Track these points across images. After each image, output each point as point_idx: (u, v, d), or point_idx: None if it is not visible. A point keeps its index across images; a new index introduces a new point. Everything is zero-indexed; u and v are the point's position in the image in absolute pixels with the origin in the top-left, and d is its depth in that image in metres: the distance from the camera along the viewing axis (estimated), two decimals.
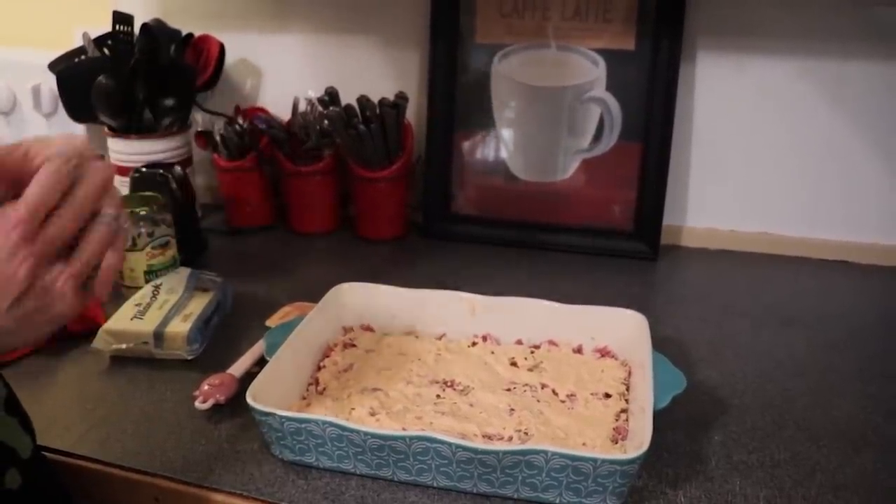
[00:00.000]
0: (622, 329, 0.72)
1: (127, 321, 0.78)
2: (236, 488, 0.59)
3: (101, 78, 1.02)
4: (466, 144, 1.10)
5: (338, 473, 0.60)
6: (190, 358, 0.76)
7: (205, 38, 1.14)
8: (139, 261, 0.88)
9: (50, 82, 1.12)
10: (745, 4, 0.97)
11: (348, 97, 1.05)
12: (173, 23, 1.12)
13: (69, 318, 0.46)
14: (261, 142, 1.11)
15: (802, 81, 0.98)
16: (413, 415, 0.64)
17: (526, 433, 0.62)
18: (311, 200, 1.12)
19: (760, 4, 0.96)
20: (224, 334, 0.82)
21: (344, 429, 0.57)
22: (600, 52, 1.01)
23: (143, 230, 0.88)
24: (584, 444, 0.61)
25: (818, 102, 0.98)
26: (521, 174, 1.08)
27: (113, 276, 0.47)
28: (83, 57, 1.08)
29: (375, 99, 1.04)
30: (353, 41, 1.13)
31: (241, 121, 1.11)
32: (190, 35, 1.13)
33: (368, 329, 0.79)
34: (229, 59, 1.16)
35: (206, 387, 0.68)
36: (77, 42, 1.10)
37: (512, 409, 0.65)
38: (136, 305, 0.80)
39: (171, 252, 0.91)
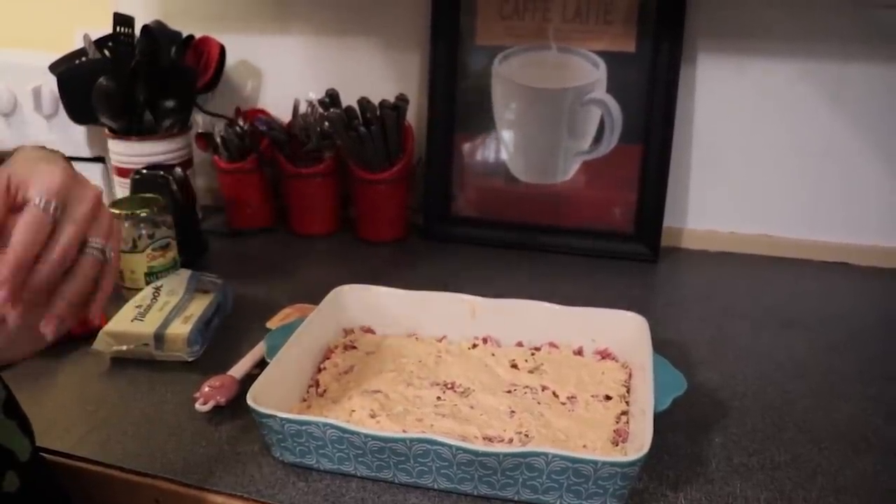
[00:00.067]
0: (623, 331, 0.72)
1: (127, 323, 0.78)
2: (237, 490, 0.59)
3: (101, 80, 1.02)
4: (467, 146, 1.10)
5: (338, 475, 0.60)
6: (190, 360, 0.76)
7: (205, 40, 1.14)
8: (140, 262, 0.88)
9: (51, 84, 1.12)
10: (746, 6, 0.97)
11: (349, 99, 1.05)
12: (174, 24, 1.13)
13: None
14: (261, 143, 1.11)
15: (803, 83, 0.98)
16: (413, 417, 0.64)
17: (526, 435, 0.62)
18: (312, 202, 1.12)
19: (761, 6, 0.96)
20: (224, 336, 0.82)
21: (344, 431, 0.56)
22: (601, 53, 1.01)
23: (143, 232, 0.88)
24: (584, 446, 0.61)
25: (818, 104, 0.98)
26: (522, 176, 1.08)
27: (103, 304, 0.48)
28: (84, 59, 1.08)
29: (376, 101, 1.04)
30: (353, 43, 1.14)
31: (241, 122, 1.11)
32: (190, 37, 1.13)
33: (369, 331, 0.79)
34: (230, 60, 1.16)
35: (206, 388, 0.68)
36: (78, 44, 1.10)
37: (512, 412, 0.65)
38: (137, 307, 0.80)
39: (172, 254, 0.91)
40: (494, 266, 1.02)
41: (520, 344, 0.76)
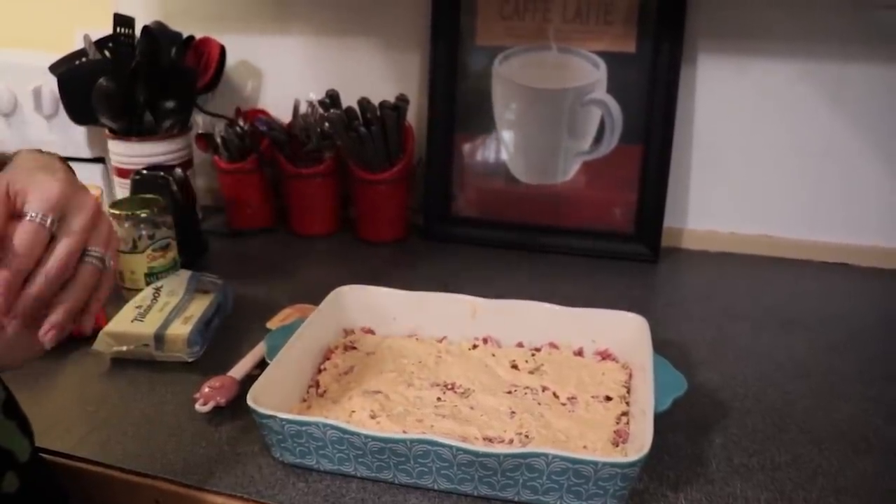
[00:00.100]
0: (623, 332, 0.72)
1: (127, 323, 0.78)
2: (237, 491, 0.59)
3: (101, 80, 1.02)
4: (467, 146, 1.10)
5: (338, 476, 0.60)
6: (190, 360, 0.76)
7: (205, 41, 1.14)
8: (140, 263, 0.88)
9: (51, 84, 1.12)
10: (746, 6, 0.97)
11: (349, 99, 1.05)
12: (174, 25, 1.13)
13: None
14: (261, 144, 1.11)
15: (803, 83, 0.98)
16: (414, 417, 0.64)
17: (527, 436, 0.62)
18: (312, 202, 1.12)
19: (761, 6, 0.96)
20: (225, 336, 0.82)
21: (345, 431, 0.56)
22: (601, 54, 1.01)
23: (143, 232, 0.88)
24: (584, 446, 0.61)
25: (818, 104, 0.98)
26: (522, 176, 1.08)
27: (97, 312, 0.48)
28: (84, 59, 1.08)
29: (376, 101, 1.04)
30: (353, 43, 1.14)
31: (241, 123, 1.11)
32: (191, 37, 1.13)
33: (369, 331, 0.79)
34: (230, 61, 1.16)
35: (206, 389, 0.68)
36: (78, 44, 1.10)
37: (513, 412, 0.65)
38: (137, 308, 0.80)
39: (172, 254, 0.91)
40: (495, 266, 1.02)
41: (520, 344, 0.76)
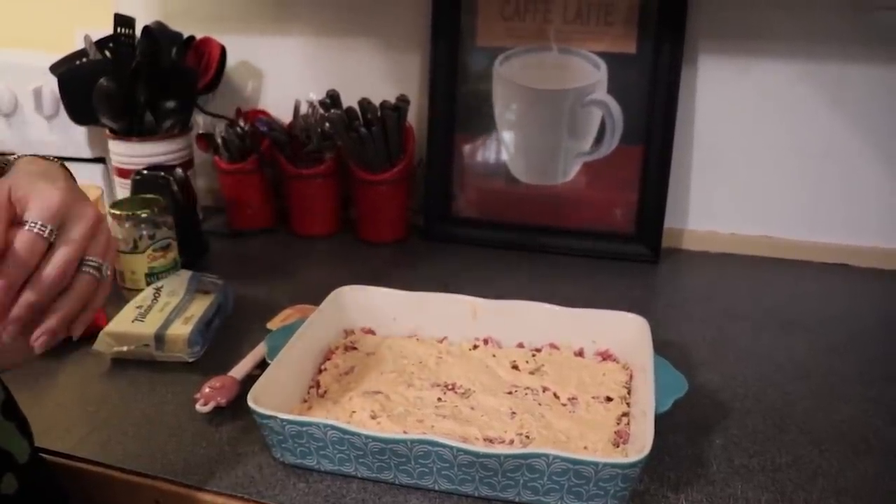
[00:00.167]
0: (623, 332, 0.72)
1: (128, 323, 0.78)
2: (237, 491, 0.59)
3: (102, 80, 1.02)
4: (467, 147, 1.10)
5: (339, 476, 0.60)
6: (191, 360, 0.76)
7: (206, 41, 1.14)
8: (140, 263, 0.88)
9: (51, 84, 1.12)
10: (747, 7, 0.97)
11: (349, 100, 1.05)
12: (175, 25, 1.13)
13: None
14: (262, 144, 1.11)
15: (803, 84, 0.98)
16: (414, 418, 0.64)
17: (527, 437, 0.62)
18: (313, 203, 1.12)
19: (761, 7, 0.96)
20: (225, 337, 0.82)
21: (345, 432, 0.56)
22: (602, 54, 1.01)
23: (144, 232, 0.88)
24: (585, 447, 0.61)
25: (819, 105, 0.98)
26: (523, 177, 1.08)
27: (89, 321, 0.48)
28: (85, 59, 1.08)
29: (376, 101, 1.04)
30: (353, 44, 1.14)
31: (242, 123, 1.11)
32: (191, 38, 1.13)
33: (369, 332, 0.79)
34: (230, 61, 1.16)
35: (207, 389, 0.68)
36: (79, 45, 1.10)
37: (513, 413, 0.65)
38: (138, 308, 0.80)
39: (173, 254, 0.91)
40: (495, 267, 1.02)
41: (521, 345, 0.76)
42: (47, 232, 0.44)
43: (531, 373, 0.71)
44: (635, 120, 1.02)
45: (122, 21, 1.04)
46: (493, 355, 0.74)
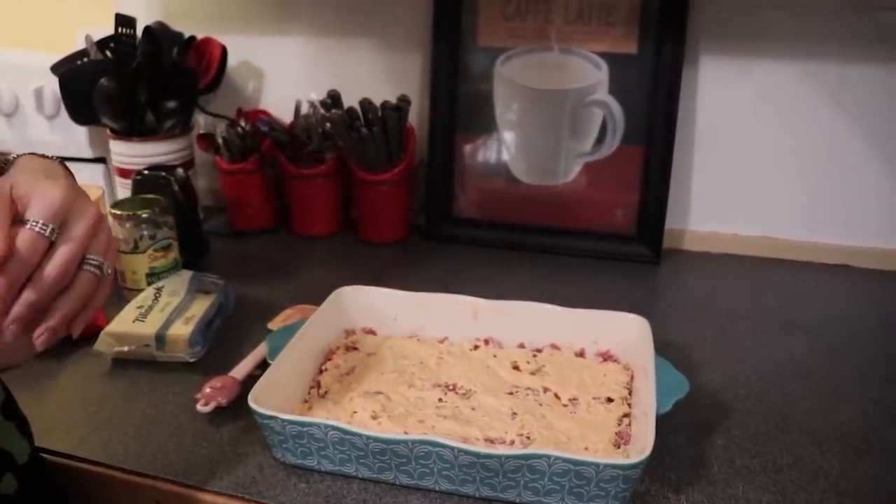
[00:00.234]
0: (624, 333, 0.72)
1: (129, 324, 0.78)
2: (238, 491, 0.59)
3: (103, 80, 1.02)
4: (468, 147, 1.10)
5: (339, 477, 0.60)
6: (192, 360, 0.76)
7: (207, 41, 1.14)
8: (141, 263, 0.88)
9: (52, 85, 1.12)
10: (747, 8, 0.97)
11: (350, 100, 1.05)
12: (176, 25, 1.13)
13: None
14: (263, 144, 1.11)
15: (804, 84, 0.98)
16: (415, 418, 0.64)
17: (528, 437, 0.62)
18: (313, 203, 1.12)
19: (762, 8, 0.96)
20: (226, 337, 0.82)
21: (346, 432, 0.56)
22: (603, 55, 1.01)
23: (145, 233, 0.88)
24: (586, 448, 0.61)
25: (819, 105, 0.98)
26: (523, 177, 1.08)
27: (90, 319, 0.48)
28: (86, 59, 1.08)
29: (377, 101, 1.04)
30: (354, 44, 1.14)
31: (243, 123, 1.11)
32: (192, 38, 1.13)
33: (370, 332, 0.79)
34: (231, 61, 1.16)
35: (207, 389, 0.68)
36: (80, 45, 1.10)
37: (514, 413, 0.65)
38: (138, 308, 0.80)
39: (173, 254, 0.91)
40: (496, 267, 1.02)
41: (521, 345, 0.76)
42: (49, 231, 0.44)
43: (532, 373, 0.71)
44: (636, 120, 1.02)
45: (123, 21, 1.04)
46: (494, 356, 0.74)
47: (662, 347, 0.69)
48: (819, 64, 0.97)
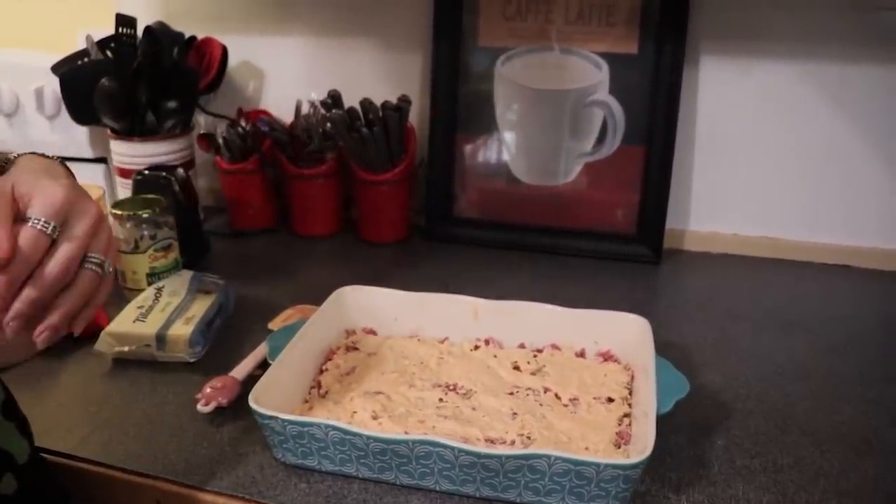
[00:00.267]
0: (625, 333, 0.72)
1: (129, 324, 0.78)
2: (238, 491, 0.59)
3: (104, 80, 1.02)
4: (469, 147, 1.10)
5: (340, 477, 0.60)
6: (192, 360, 0.76)
7: (208, 41, 1.14)
8: (141, 263, 0.88)
9: (53, 85, 1.12)
10: (748, 8, 0.97)
11: (351, 100, 1.05)
12: (176, 26, 1.13)
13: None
14: (263, 144, 1.11)
15: (804, 84, 0.98)
16: (415, 418, 0.64)
17: (528, 437, 0.62)
18: (314, 203, 1.12)
19: (762, 8, 0.96)
20: (226, 337, 0.82)
21: (346, 432, 0.57)
22: (603, 55, 1.01)
23: (145, 233, 0.88)
24: (586, 448, 0.61)
25: (819, 105, 0.98)
26: (524, 177, 1.08)
27: (91, 317, 0.48)
28: (86, 59, 1.08)
29: (378, 101, 1.04)
30: (354, 44, 1.14)
31: (243, 123, 1.11)
32: (193, 38, 1.13)
33: (371, 332, 0.79)
34: (232, 61, 1.16)
35: (208, 389, 0.68)
36: (80, 45, 1.10)
37: (515, 413, 0.65)
38: (139, 308, 0.80)
39: (174, 254, 0.91)
40: (496, 267, 1.02)
41: (522, 346, 0.76)
42: (50, 229, 0.44)
43: (532, 373, 0.71)
44: (637, 120, 1.02)
45: (124, 21, 1.04)
46: (495, 356, 0.74)
47: (663, 347, 0.69)
48: (819, 64, 0.97)
